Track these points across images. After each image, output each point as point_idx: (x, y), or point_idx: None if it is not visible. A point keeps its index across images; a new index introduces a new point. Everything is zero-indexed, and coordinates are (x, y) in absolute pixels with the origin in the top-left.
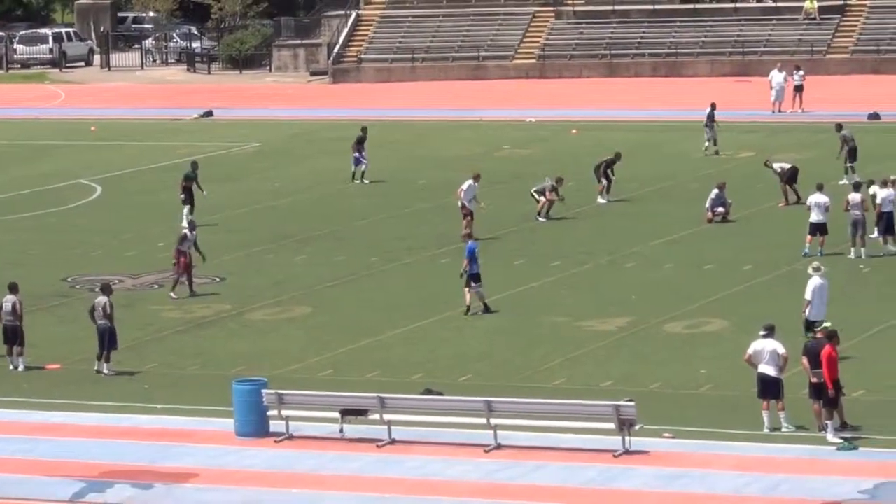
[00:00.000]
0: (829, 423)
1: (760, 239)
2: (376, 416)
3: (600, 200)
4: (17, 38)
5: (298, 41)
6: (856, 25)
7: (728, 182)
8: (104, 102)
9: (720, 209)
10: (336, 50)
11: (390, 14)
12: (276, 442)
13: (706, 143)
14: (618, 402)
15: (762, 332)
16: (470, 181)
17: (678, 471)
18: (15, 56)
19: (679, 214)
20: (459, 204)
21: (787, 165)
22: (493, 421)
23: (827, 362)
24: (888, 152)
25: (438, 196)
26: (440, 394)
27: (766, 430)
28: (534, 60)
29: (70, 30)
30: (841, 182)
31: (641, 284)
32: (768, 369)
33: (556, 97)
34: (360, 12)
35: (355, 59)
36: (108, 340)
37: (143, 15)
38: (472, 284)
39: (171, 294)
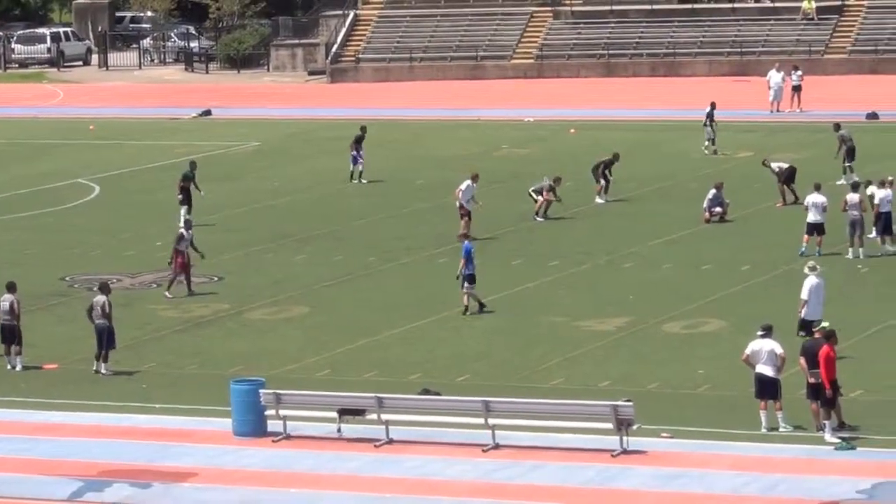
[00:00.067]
0: (826, 422)
1: (758, 239)
2: (374, 416)
3: (598, 200)
4: (15, 38)
5: (296, 41)
6: (854, 25)
7: (726, 182)
8: (102, 102)
9: (718, 209)
10: (334, 49)
11: (388, 14)
12: (273, 441)
13: (706, 143)
14: (616, 402)
15: (760, 332)
16: (468, 181)
17: (676, 470)
18: (13, 55)
19: (677, 214)
20: (457, 204)
21: (785, 165)
22: (491, 421)
23: (825, 362)
24: (886, 152)
25: (437, 196)
26: (438, 394)
27: (763, 430)
28: (532, 60)
29: (68, 29)
30: (839, 182)
31: (639, 284)
32: (766, 369)
33: (554, 97)
34: (357, 12)
35: (353, 58)
36: (106, 340)
37: (141, 14)
38: (466, 285)
39: (166, 293)
